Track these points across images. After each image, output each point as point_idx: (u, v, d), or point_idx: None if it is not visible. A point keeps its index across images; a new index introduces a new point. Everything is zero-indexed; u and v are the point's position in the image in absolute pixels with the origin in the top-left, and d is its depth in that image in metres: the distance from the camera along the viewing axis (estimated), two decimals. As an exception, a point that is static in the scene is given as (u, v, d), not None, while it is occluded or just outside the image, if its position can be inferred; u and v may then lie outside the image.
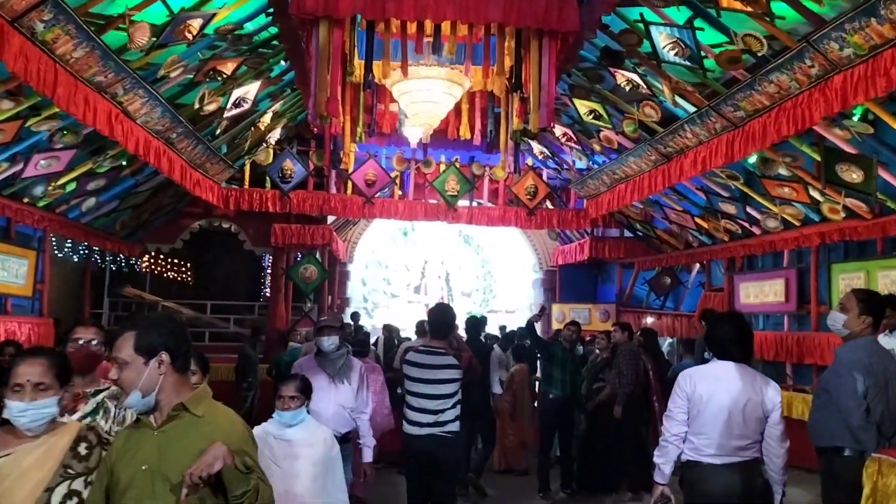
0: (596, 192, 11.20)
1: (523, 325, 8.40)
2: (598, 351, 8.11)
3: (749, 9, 5.92)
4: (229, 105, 8.49)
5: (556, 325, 13.99)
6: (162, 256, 13.26)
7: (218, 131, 9.07)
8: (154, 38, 6.42)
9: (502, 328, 12.58)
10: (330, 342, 4.49)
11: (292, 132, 11.63)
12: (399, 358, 8.71)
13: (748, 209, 9.08)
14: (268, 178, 11.56)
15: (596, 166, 10.64)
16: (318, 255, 12.11)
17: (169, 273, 13.95)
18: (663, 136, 8.44)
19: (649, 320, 13.82)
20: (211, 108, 8.29)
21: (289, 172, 11.46)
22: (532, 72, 6.35)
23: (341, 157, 8.39)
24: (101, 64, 6.21)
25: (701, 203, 9.87)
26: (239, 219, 11.88)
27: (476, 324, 7.74)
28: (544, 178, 12.31)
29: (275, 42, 7.88)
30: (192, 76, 7.52)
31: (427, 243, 18.42)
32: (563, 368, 7.10)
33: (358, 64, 6.77)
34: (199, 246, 12.68)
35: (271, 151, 11.53)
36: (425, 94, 7.08)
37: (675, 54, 6.92)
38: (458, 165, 12.00)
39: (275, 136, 10.78)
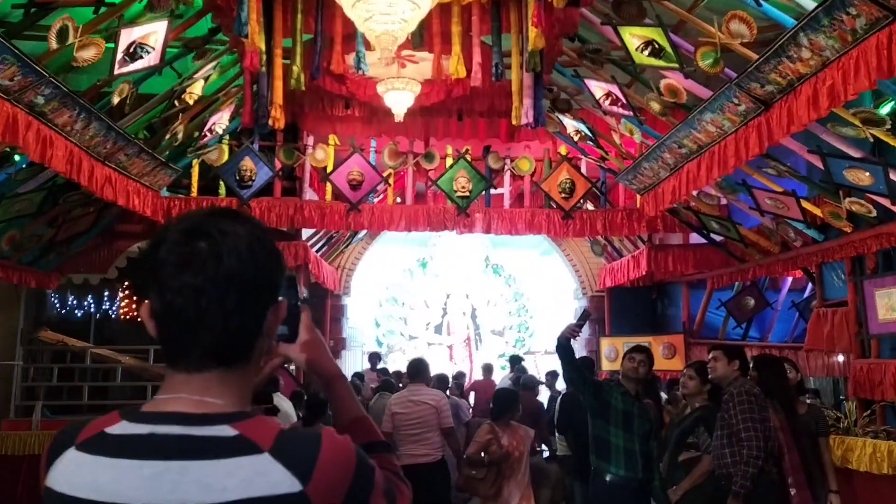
0: (654, 180, 8.24)
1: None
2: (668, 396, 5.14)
3: None
4: (119, 54, 5.88)
5: (606, 366, 10.92)
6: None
7: (116, 99, 6.45)
8: None
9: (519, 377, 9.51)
10: None
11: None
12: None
13: (893, 175, 6.02)
14: (222, 182, 8.95)
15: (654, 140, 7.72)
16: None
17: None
18: (761, 63, 5.52)
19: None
20: (87, 55, 5.68)
21: (249, 174, 8.84)
22: None
23: (269, 111, 5.72)
24: None
25: (813, 176, 6.87)
26: (190, 238, 9.20)
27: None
28: (583, 170, 9.45)
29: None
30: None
31: (449, 275, 15.66)
32: (626, 428, 4.14)
33: None
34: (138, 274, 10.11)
35: (225, 148, 8.95)
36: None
37: None
38: (469, 158, 9.24)
39: (222, 122, 8.15)
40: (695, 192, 8.19)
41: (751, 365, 4.27)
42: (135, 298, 12.02)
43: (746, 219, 8.63)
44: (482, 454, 5.41)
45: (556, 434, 6.91)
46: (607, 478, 4.13)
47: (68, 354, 9.48)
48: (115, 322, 11.71)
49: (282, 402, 6.73)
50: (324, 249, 10.86)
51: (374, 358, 10.24)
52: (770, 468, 3.74)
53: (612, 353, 10.93)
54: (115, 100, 6.46)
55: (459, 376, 10.88)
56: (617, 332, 11.35)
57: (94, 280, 9.15)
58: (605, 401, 4.21)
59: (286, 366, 9.23)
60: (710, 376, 4.15)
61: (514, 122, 6.07)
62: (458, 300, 15.67)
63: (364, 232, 11.48)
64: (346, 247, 11.47)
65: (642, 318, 11.35)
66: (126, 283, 11.99)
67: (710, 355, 4.12)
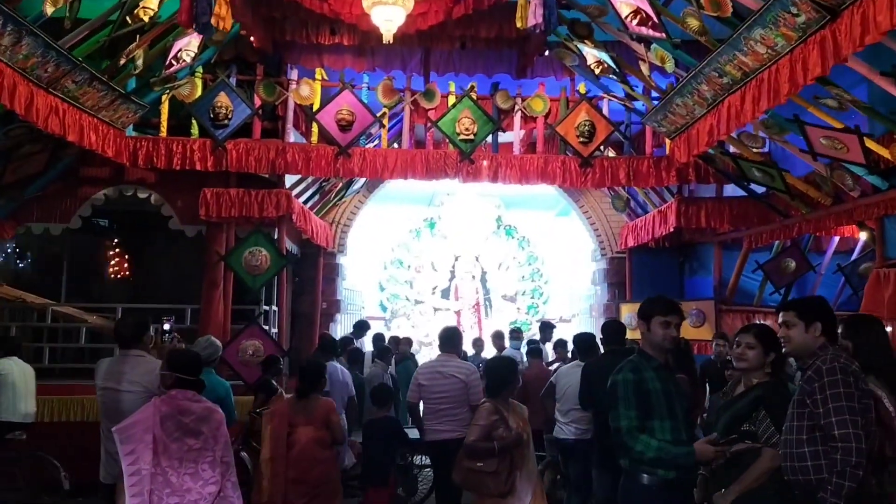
0: (688, 119, 7.11)
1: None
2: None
3: None
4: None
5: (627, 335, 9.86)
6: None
7: (50, 9, 5.41)
8: None
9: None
10: None
11: (228, 53, 7.98)
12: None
13: None
14: (195, 120, 7.94)
15: (687, 72, 6.57)
16: (274, 235, 8.33)
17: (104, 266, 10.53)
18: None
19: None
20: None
21: (224, 112, 7.83)
22: None
23: (211, 6, 4.63)
24: None
25: (881, 108, 5.72)
26: (161, 185, 8.23)
27: None
28: (605, 111, 8.31)
29: None
30: None
31: (458, 236, 14.63)
32: (671, 415, 3.14)
33: None
34: (119, 227, 9.19)
35: (198, 82, 7.92)
36: None
37: None
38: (474, 96, 8.13)
39: (190, 49, 7.09)
40: (735, 134, 7.09)
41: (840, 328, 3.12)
42: (126, 256, 11.18)
43: (794, 166, 7.50)
44: (489, 441, 4.37)
45: (560, 413, 5.83)
46: (644, 479, 3.08)
47: (34, 313, 8.65)
48: (104, 281, 10.86)
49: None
50: (314, 201, 9.85)
51: (362, 327, 9.20)
52: (870, 478, 2.65)
53: (632, 320, 9.83)
54: (49, 9, 5.42)
55: (478, 344, 9.86)
56: (639, 297, 10.24)
57: (55, 230, 8.21)
58: (644, 392, 3.13)
59: (265, 327, 8.35)
60: (784, 349, 3.02)
61: (518, 25, 4.97)
62: (468, 263, 14.67)
63: (360, 184, 10.46)
64: (340, 199, 10.44)
65: (668, 282, 10.22)
66: (115, 240, 11.14)
67: (781, 318, 2.97)
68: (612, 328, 5.62)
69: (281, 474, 4.53)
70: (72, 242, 9.60)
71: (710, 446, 2.99)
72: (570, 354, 7.63)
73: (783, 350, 3.02)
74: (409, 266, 14.65)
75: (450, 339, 5.65)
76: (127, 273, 10.64)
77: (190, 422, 3.24)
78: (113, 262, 10.60)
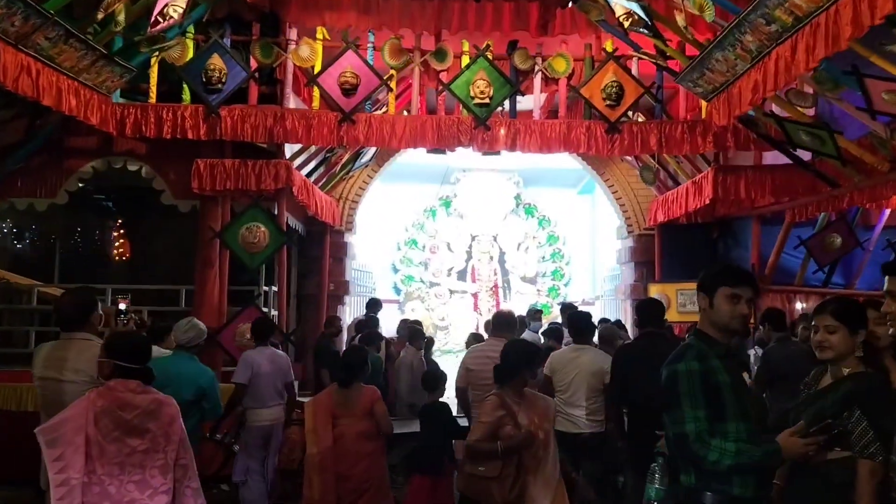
0: (728, 76, 6.34)
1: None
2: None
3: None
4: None
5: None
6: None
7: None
8: None
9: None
10: None
11: (221, 10, 7.35)
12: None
13: None
14: (186, 85, 7.34)
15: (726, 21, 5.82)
16: (273, 210, 7.72)
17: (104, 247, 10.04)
18: None
19: (800, 306, 8.87)
20: None
21: (218, 75, 7.22)
22: None
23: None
24: None
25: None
26: (153, 156, 7.65)
27: None
28: (634, 71, 7.57)
29: None
30: None
31: (475, 215, 14.01)
32: (743, 415, 2.42)
33: None
34: (112, 202, 8.64)
35: (190, 43, 7.31)
36: None
37: None
38: (490, 56, 7.44)
39: (178, 3, 6.46)
40: (781, 93, 6.33)
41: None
42: (120, 233, 10.69)
43: (845, 129, 6.72)
44: (494, 441, 3.75)
45: (568, 404, 5.14)
46: (708, 499, 2.36)
47: (25, 295, 8.15)
48: (98, 260, 10.36)
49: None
50: (318, 174, 9.21)
51: (375, 306, 8.53)
52: None
53: (663, 301, 9.15)
54: (6, -51, 4.81)
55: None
56: (669, 276, 9.54)
57: (40, 206, 7.65)
58: (713, 386, 2.41)
59: (265, 309, 7.77)
60: (891, 330, 2.29)
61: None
62: (485, 243, 14.08)
63: (369, 156, 9.80)
64: (347, 173, 9.80)
65: (700, 260, 9.34)
66: (119, 221, 10.65)
67: (887, 286, 2.25)
68: (650, 307, 4.95)
69: (329, 469, 4.26)
70: (64, 220, 9.10)
71: (798, 439, 2.32)
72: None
73: (890, 332, 2.29)
74: (423, 247, 14.07)
75: (506, 322, 5.26)
76: (122, 252, 10.13)
77: (133, 418, 2.64)
78: (107, 240, 10.09)
